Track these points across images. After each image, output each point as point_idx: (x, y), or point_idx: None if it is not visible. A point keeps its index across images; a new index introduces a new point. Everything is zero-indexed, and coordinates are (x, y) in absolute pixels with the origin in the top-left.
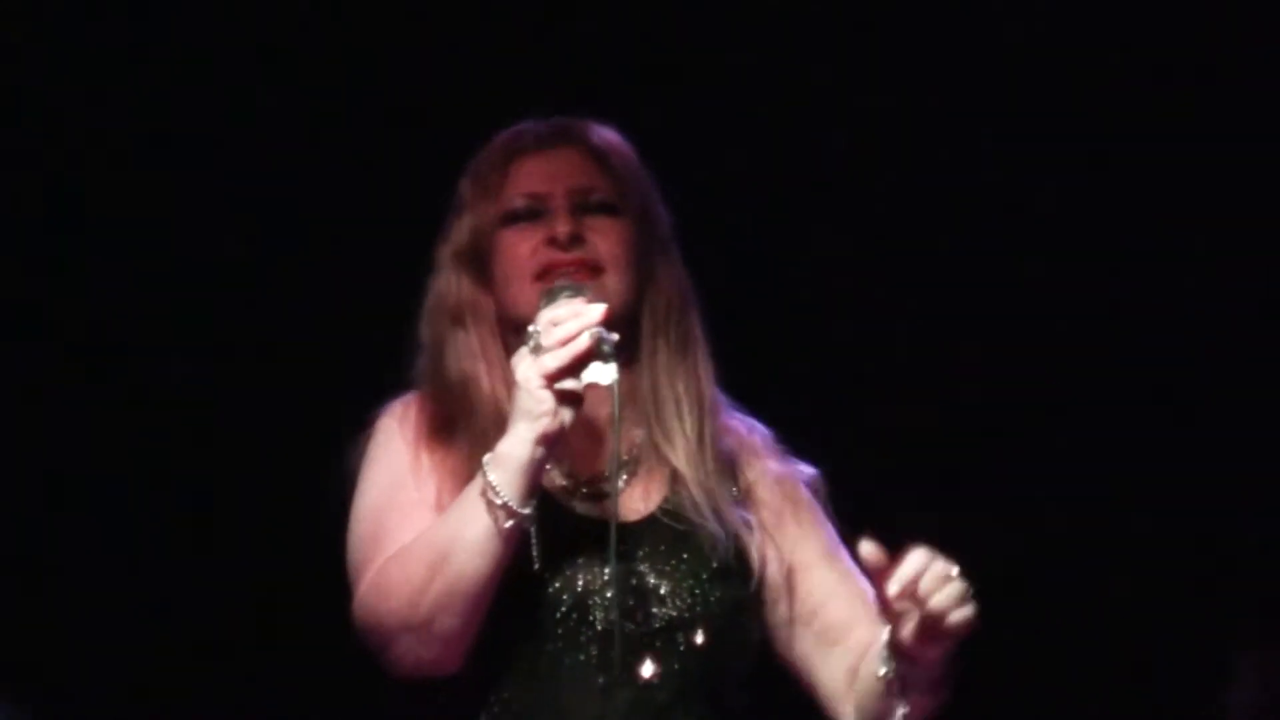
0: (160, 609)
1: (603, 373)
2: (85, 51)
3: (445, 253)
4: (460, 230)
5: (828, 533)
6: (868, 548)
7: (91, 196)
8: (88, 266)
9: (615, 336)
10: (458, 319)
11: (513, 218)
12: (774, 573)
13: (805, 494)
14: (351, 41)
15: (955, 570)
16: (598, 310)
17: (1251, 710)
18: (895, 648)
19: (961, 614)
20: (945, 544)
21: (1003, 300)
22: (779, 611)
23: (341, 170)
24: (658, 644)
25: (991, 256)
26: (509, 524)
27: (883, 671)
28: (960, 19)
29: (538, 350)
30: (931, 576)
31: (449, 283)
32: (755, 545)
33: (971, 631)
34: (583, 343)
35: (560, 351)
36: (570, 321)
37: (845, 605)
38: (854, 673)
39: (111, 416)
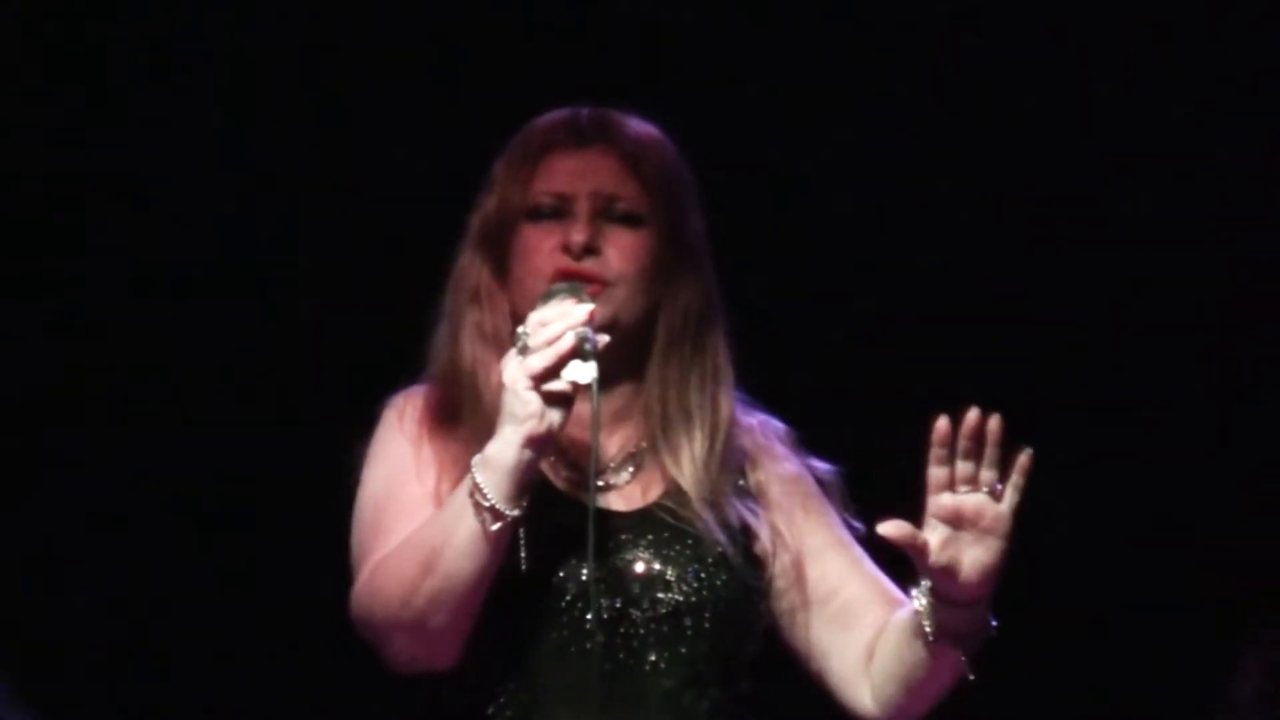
0: (163, 605)
1: (581, 371)
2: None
3: (474, 225)
4: (488, 207)
5: (835, 521)
6: (889, 526)
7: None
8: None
9: (604, 338)
10: (475, 299)
11: (536, 214)
12: (784, 564)
13: (814, 487)
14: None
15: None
16: (583, 310)
17: (1254, 701)
18: (932, 575)
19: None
20: None
21: (1005, 298)
22: (789, 599)
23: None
24: (665, 629)
25: (1004, 250)
26: (496, 526)
27: (927, 626)
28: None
29: (525, 351)
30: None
31: (471, 263)
32: (764, 538)
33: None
34: (567, 342)
35: (545, 352)
36: (556, 322)
37: (860, 587)
38: (870, 653)
39: (112, 403)
